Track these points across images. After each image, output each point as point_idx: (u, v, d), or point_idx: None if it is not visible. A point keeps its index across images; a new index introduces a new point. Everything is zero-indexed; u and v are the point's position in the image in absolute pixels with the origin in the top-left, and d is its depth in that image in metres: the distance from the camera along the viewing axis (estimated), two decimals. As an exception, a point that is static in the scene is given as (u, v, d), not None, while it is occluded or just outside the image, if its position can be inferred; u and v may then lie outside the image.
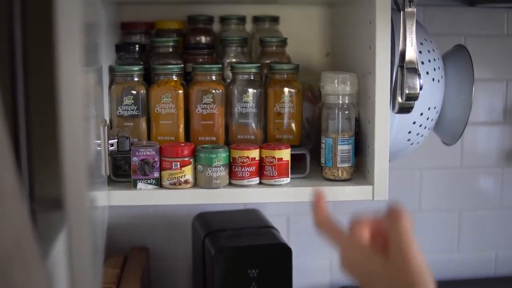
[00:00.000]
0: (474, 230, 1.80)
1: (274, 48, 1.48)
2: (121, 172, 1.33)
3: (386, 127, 1.28)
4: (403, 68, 1.27)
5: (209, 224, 1.50)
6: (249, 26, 1.57)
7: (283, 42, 1.48)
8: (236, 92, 1.35)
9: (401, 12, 1.27)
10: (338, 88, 1.29)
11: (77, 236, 0.76)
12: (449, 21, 1.73)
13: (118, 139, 1.23)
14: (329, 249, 0.91)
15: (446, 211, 1.79)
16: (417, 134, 1.40)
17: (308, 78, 1.50)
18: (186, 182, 1.26)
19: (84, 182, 0.77)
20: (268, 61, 1.46)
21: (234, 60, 1.47)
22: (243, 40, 1.48)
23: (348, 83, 1.30)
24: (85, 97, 0.80)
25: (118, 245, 1.64)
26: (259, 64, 1.37)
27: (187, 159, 1.26)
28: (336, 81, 1.29)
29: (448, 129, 1.49)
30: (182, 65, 1.37)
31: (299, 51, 1.57)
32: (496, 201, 1.80)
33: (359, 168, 1.36)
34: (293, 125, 1.37)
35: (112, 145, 1.23)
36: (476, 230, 1.80)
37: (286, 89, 1.36)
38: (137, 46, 1.45)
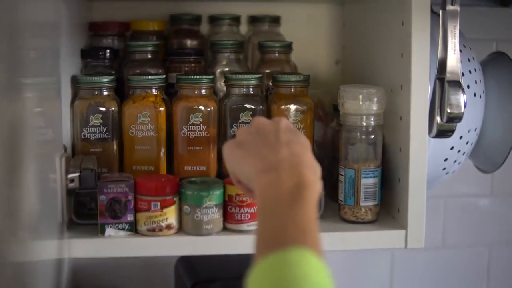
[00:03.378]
0: (506, 269, 1.54)
1: (277, 54, 1.20)
2: (86, 211, 1.05)
3: (423, 155, 1.01)
4: (443, 81, 1.00)
5: (196, 271, 1.22)
6: (244, 28, 1.33)
7: (288, 47, 1.21)
8: (231, 110, 1.08)
9: (441, 11, 1.01)
10: (362, 107, 1.02)
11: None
12: (479, 24, 1.46)
13: (80, 172, 0.95)
14: None
15: (474, 246, 1.53)
16: (454, 161, 1.13)
17: (315, 91, 1.23)
18: (168, 227, 0.98)
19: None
20: (268, 71, 1.18)
21: (226, 69, 1.19)
22: (238, 45, 1.20)
23: (375, 99, 1.02)
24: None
25: (85, 291, 1.36)
26: (260, 75, 1.10)
27: (169, 197, 0.98)
28: (360, 97, 1.02)
29: (487, 153, 1.23)
30: (164, 76, 1.09)
31: (303, 57, 1.29)
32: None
33: (386, 207, 1.09)
34: (302, 151, 1.10)
35: (72, 180, 0.94)
36: (509, 269, 1.54)
37: (293, 107, 1.09)
38: (108, 51, 1.17)
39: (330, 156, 1.18)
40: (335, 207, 1.07)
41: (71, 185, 0.94)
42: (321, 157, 1.18)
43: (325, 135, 1.21)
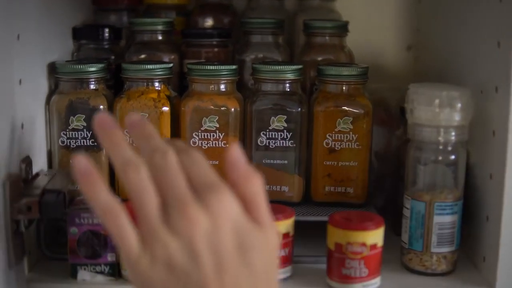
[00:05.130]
0: None
1: (327, 38, 0.91)
2: (64, 240, 0.79)
3: (524, 187, 0.71)
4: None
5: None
6: (290, 3, 1.00)
7: (343, 29, 0.91)
8: (258, 113, 0.80)
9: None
10: (439, 116, 0.72)
11: None
12: None
13: (41, 196, 0.69)
14: None
15: None
16: None
17: (378, 86, 0.94)
18: (162, 274, 0.72)
19: None
20: (316, 59, 0.90)
21: (261, 55, 0.91)
22: (277, 24, 0.92)
23: (458, 106, 0.72)
24: None
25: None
26: (300, 66, 0.81)
27: (164, 234, 0.71)
28: (436, 102, 0.72)
29: None
30: (170, 65, 0.82)
31: (364, 42, 0.99)
32: None
33: (467, 253, 0.79)
34: (355, 170, 0.81)
35: (29, 207, 0.69)
36: None
37: (345, 109, 0.80)
38: (107, 30, 0.90)
39: (393, 174, 0.89)
40: (397, 243, 0.78)
41: (27, 214, 0.68)
42: (381, 174, 0.90)
43: (389, 145, 0.91)
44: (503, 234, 0.72)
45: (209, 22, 0.99)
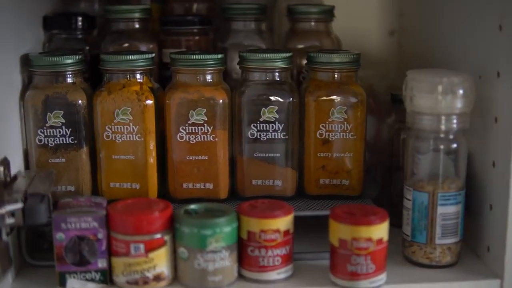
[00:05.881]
0: None
1: (313, 24, 0.87)
2: (46, 245, 0.74)
3: (529, 174, 0.69)
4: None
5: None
6: None
7: (328, 13, 0.88)
8: (248, 104, 0.76)
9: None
10: (441, 103, 0.69)
11: None
12: None
13: (24, 201, 0.64)
14: None
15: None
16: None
17: (364, 74, 0.90)
18: (157, 278, 0.67)
19: None
20: (301, 46, 0.86)
21: (244, 43, 0.86)
22: (259, 10, 0.87)
23: (460, 93, 0.70)
24: None
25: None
26: (290, 53, 0.77)
27: (158, 236, 0.66)
28: (439, 89, 0.69)
29: None
30: (153, 55, 0.77)
31: (346, 28, 0.96)
32: None
33: (469, 243, 0.77)
34: (350, 161, 0.78)
35: (13, 214, 0.63)
36: None
37: (338, 99, 0.76)
38: (80, 18, 0.85)
39: (386, 164, 0.86)
40: (393, 236, 0.75)
41: (10, 221, 0.63)
42: (372, 164, 0.87)
43: (379, 135, 0.88)
44: (510, 222, 0.69)
45: (184, 8, 0.94)
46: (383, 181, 0.86)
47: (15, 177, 0.70)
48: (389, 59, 1.03)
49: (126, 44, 0.85)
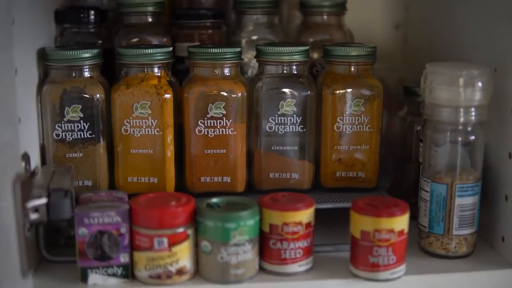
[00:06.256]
0: None
1: (326, 17, 0.87)
2: (63, 241, 0.74)
3: (547, 166, 0.70)
4: None
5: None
6: None
7: (341, 7, 0.88)
8: (266, 97, 0.76)
9: None
10: (461, 96, 0.70)
11: None
12: None
13: (48, 197, 0.64)
14: None
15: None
16: None
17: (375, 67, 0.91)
18: (180, 272, 0.67)
19: None
20: (314, 40, 0.86)
21: (254, 37, 0.87)
22: (273, 3, 0.88)
23: (479, 85, 0.70)
24: None
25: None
26: (307, 47, 0.77)
27: (181, 230, 0.67)
28: (460, 82, 0.70)
29: None
30: (171, 48, 0.77)
31: (351, 21, 0.96)
32: None
33: (483, 233, 0.78)
34: (367, 154, 0.78)
35: (36, 209, 0.63)
36: None
37: (355, 92, 0.77)
38: (93, 12, 0.84)
39: (398, 156, 0.87)
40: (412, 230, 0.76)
41: (34, 217, 0.63)
42: (384, 156, 0.87)
43: (391, 127, 0.89)
44: (526, 215, 0.71)
45: (195, 2, 0.94)
46: (395, 173, 0.87)
47: (33, 172, 0.70)
48: (394, 52, 1.03)
49: (136, 39, 0.84)
